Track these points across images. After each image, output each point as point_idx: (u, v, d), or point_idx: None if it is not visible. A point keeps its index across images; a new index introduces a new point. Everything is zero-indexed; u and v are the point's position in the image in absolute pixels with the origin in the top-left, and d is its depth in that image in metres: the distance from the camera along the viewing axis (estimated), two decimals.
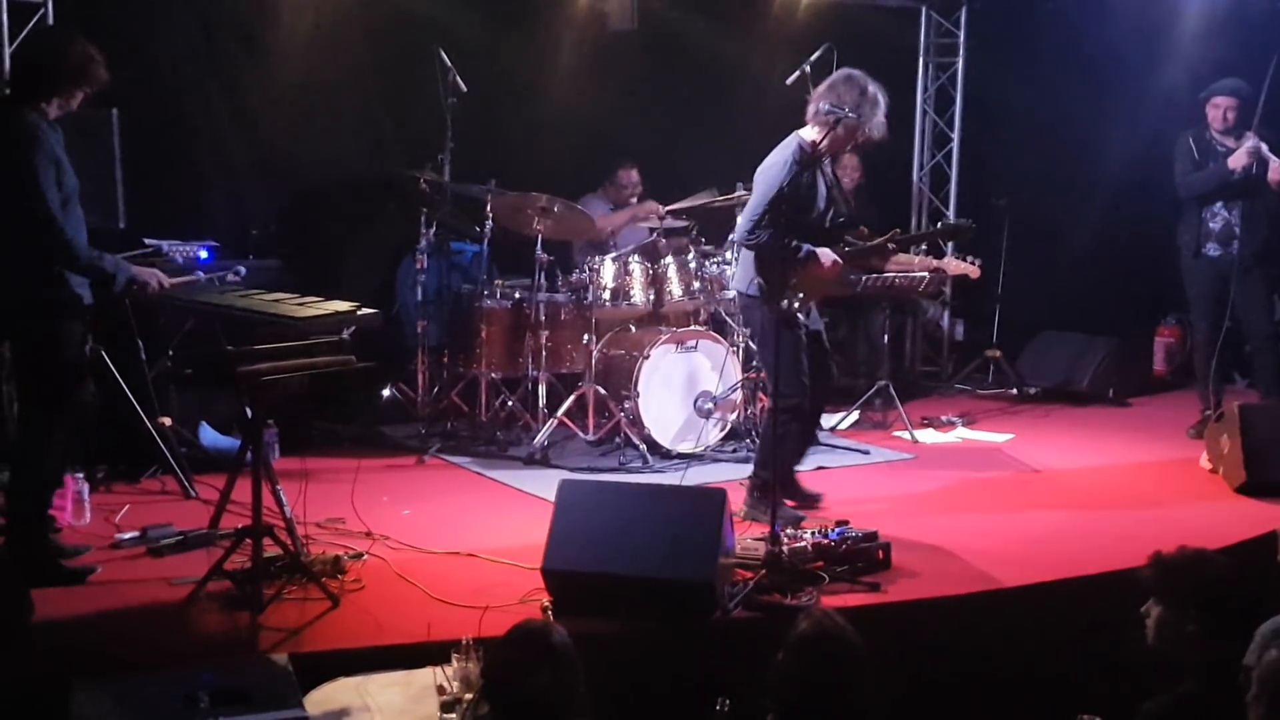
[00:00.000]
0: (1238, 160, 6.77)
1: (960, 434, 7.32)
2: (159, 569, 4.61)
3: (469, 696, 3.50)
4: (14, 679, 3.71)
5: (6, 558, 4.45)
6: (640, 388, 6.41)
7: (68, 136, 4.55)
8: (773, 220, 5.14)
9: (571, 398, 6.63)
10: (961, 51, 8.90)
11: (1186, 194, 7.07)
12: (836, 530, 4.78)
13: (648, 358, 6.45)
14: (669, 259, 6.78)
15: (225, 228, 7.01)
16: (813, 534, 4.75)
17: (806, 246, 5.27)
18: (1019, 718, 4.35)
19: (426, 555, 4.91)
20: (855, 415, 7.40)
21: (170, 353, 5.57)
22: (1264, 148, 6.70)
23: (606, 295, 6.70)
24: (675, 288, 6.78)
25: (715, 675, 3.76)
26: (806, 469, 5.91)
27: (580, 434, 6.65)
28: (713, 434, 6.64)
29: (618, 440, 6.50)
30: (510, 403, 6.88)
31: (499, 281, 6.94)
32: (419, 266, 6.93)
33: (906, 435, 7.06)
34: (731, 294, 6.84)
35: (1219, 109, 6.91)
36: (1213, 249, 7.04)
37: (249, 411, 4.41)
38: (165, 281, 4.62)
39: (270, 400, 4.45)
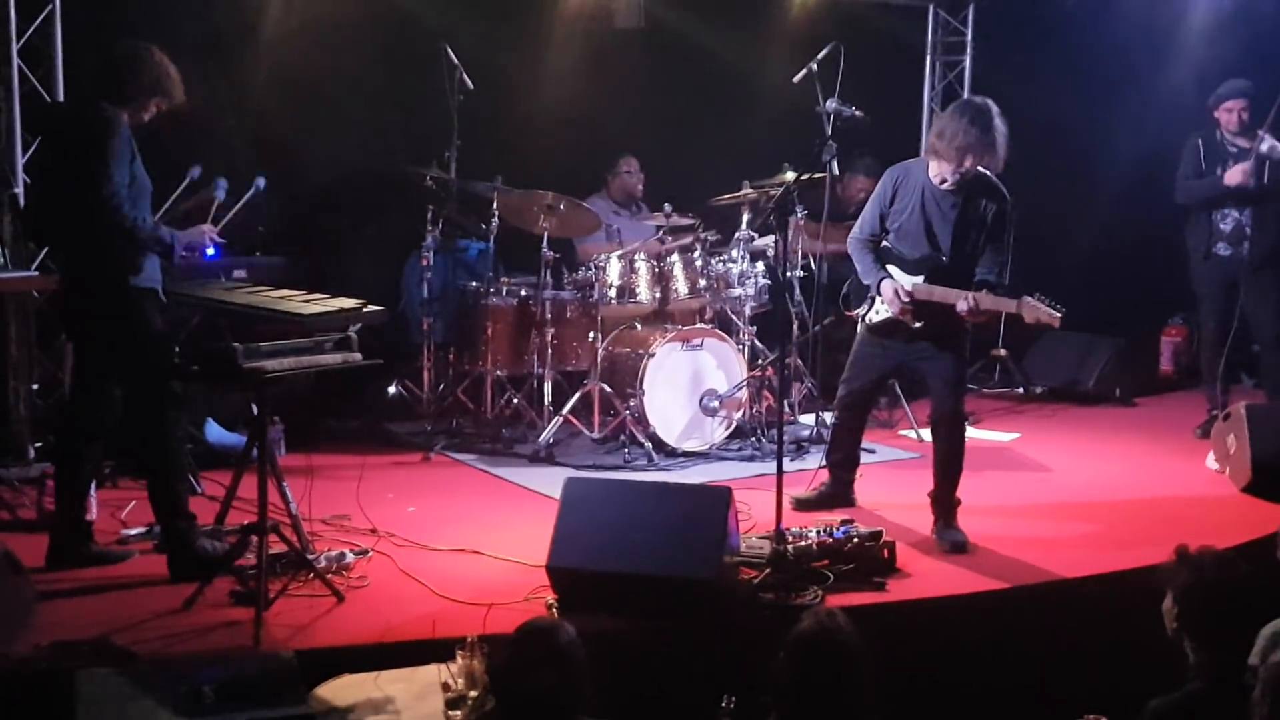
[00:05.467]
0: (1233, 178, 6.79)
1: (966, 433, 7.29)
2: (164, 565, 4.60)
3: (473, 693, 3.50)
4: (20, 673, 3.72)
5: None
6: (645, 386, 6.41)
7: None
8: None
9: (577, 395, 6.63)
10: (969, 50, 8.87)
11: (1183, 199, 7.13)
12: (841, 529, 4.78)
13: (653, 355, 6.45)
14: (675, 257, 6.78)
15: (231, 224, 6.99)
16: (818, 533, 4.76)
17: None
18: (1024, 718, 4.35)
19: (431, 552, 4.92)
20: None
21: (176, 348, 5.58)
22: (1279, 147, 6.69)
23: (612, 293, 6.70)
24: (681, 286, 6.78)
25: (720, 673, 3.76)
26: (812, 467, 5.91)
27: (585, 432, 6.65)
28: (718, 432, 6.64)
29: (623, 438, 6.49)
30: (515, 400, 6.88)
31: (505, 279, 6.94)
32: (425, 264, 6.93)
33: (912, 434, 7.04)
34: (737, 292, 6.86)
35: (1231, 112, 6.91)
36: (1223, 249, 7.04)
37: (255, 408, 4.43)
38: (212, 232, 4.80)
39: (276, 397, 4.48)
